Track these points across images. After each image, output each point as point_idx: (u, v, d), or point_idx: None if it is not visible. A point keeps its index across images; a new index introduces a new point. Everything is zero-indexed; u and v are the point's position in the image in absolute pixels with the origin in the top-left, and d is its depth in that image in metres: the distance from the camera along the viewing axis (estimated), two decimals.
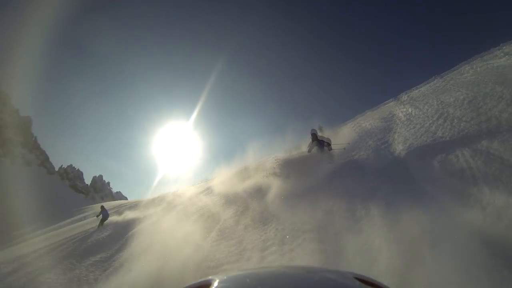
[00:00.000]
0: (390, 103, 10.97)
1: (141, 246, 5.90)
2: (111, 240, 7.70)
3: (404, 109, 8.35)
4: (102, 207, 14.26)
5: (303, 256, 3.31)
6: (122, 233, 7.97)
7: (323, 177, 5.98)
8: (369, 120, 9.68)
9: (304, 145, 8.99)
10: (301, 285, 0.75)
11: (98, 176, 79.53)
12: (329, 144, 8.17)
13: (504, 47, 8.67)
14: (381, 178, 4.51)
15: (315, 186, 5.53)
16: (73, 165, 75.43)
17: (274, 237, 4.09)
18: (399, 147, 5.43)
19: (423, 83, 11.20)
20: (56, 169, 72.73)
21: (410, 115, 7.35)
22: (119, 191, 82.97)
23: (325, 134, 9.72)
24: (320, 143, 8.25)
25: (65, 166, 73.77)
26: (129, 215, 11.85)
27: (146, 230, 7.18)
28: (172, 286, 3.87)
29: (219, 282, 0.75)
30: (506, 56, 7.80)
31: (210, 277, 0.78)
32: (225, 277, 0.79)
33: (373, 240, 2.92)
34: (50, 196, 63.79)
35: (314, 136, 8.32)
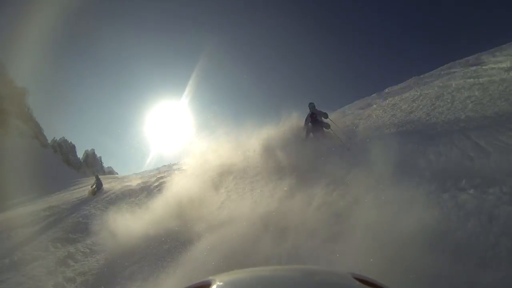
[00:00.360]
0: (373, 95, 13.21)
1: (166, 193, 7.88)
2: (134, 193, 9.66)
3: (378, 101, 10.52)
4: (96, 176, 15.22)
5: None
6: (144, 188, 10.09)
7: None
8: (352, 108, 11.90)
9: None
10: (301, 286, 0.81)
11: (90, 150, 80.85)
12: (325, 114, 8.04)
13: (470, 59, 10.80)
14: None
15: None
16: (66, 138, 76.65)
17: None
18: (361, 126, 7.71)
19: (405, 81, 13.45)
20: (49, 142, 74.18)
21: (379, 105, 9.55)
22: (111, 166, 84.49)
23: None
24: (318, 120, 8.09)
25: (58, 139, 75.16)
26: (138, 180, 13.18)
27: (165, 185, 8.94)
28: (197, 211, 6.08)
29: (219, 282, 0.80)
30: (460, 69, 10.05)
31: (210, 277, 0.84)
32: (225, 277, 0.84)
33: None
34: (42, 168, 65.25)
35: (313, 108, 8.17)
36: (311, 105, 8.18)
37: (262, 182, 6.15)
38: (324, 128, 7.97)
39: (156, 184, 9.84)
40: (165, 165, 15.90)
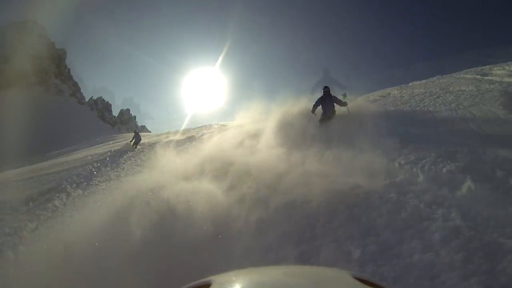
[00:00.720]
0: (396, 87, 15.48)
1: (212, 140, 10.99)
2: (185, 142, 12.97)
3: (396, 92, 12.78)
4: (135, 131, 17.19)
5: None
6: (191, 140, 13.28)
7: None
8: (374, 95, 14.28)
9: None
10: (300, 286, 0.84)
11: (125, 109, 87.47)
12: (342, 103, 8.60)
13: (485, 68, 12.55)
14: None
15: None
16: (103, 97, 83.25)
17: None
18: (372, 108, 9.94)
19: (429, 78, 15.54)
20: (87, 100, 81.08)
21: (393, 95, 11.89)
22: (144, 125, 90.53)
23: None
24: (330, 102, 8.61)
25: (95, 97, 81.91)
26: (182, 135, 15.80)
27: (210, 138, 11.92)
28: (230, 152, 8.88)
29: (219, 282, 0.84)
30: (468, 72, 12.07)
31: (210, 277, 0.88)
32: (225, 278, 0.89)
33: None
34: (79, 124, 72.95)
35: (327, 92, 8.71)
36: (326, 89, 8.87)
37: (275, 143, 8.21)
38: (335, 107, 8.73)
39: (201, 138, 12.91)
40: (205, 125, 18.67)
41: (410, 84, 15.21)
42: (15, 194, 8.61)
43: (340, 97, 13.30)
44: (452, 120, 6.38)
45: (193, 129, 18.64)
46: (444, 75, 14.70)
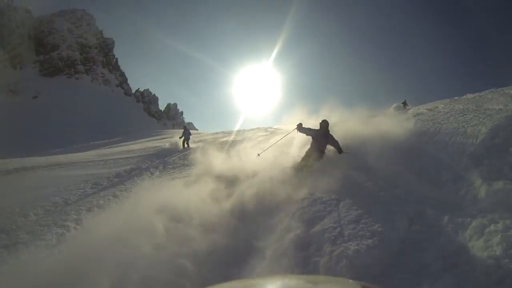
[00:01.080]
0: (446, 100, 17.15)
1: (258, 143, 13.99)
2: (237, 143, 16.17)
3: (442, 106, 14.54)
4: (184, 127, 19.04)
5: None
6: (245, 141, 16.26)
7: None
8: (423, 108, 16.11)
9: None
10: None
11: (172, 104, 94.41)
12: (338, 148, 7.86)
13: None
14: None
15: None
16: (150, 90, 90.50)
17: None
18: (412, 122, 11.95)
19: (484, 91, 16.89)
20: (133, 92, 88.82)
21: (438, 109, 13.65)
22: (191, 122, 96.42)
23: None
24: (324, 139, 7.94)
25: (142, 89, 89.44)
26: (237, 137, 19.16)
27: (261, 141, 14.83)
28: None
29: None
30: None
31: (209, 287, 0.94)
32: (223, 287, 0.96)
33: None
34: (125, 115, 79.84)
35: (324, 128, 7.93)
36: (323, 124, 8.01)
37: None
38: (325, 150, 8.10)
39: (254, 140, 15.98)
40: (259, 127, 22.01)
41: (464, 97, 16.80)
42: (103, 170, 11.96)
43: (400, 105, 16.55)
44: (445, 138, 8.33)
45: (247, 130, 21.87)
46: (498, 89, 15.89)
